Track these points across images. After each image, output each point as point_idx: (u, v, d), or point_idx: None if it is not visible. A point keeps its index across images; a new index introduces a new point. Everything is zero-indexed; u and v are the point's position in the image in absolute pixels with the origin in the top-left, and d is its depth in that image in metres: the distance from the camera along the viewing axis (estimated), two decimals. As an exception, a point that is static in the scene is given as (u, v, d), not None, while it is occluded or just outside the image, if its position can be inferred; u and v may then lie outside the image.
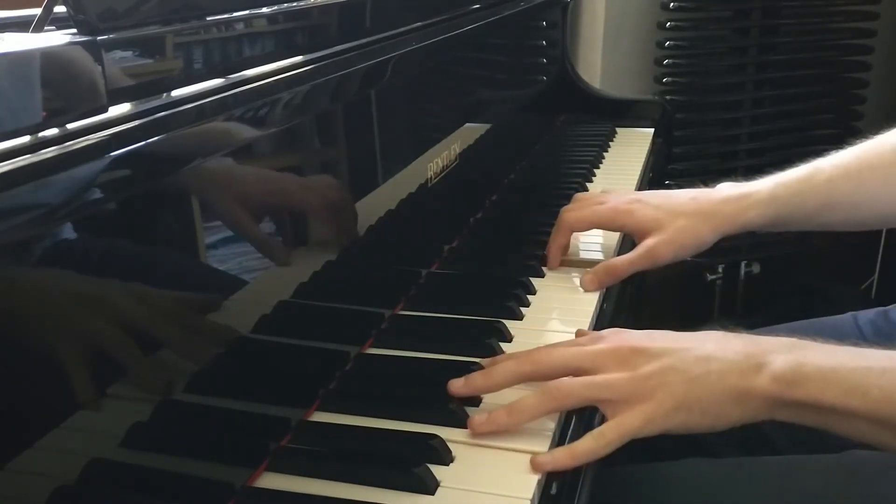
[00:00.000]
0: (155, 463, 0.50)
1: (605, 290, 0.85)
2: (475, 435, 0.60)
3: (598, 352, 0.62)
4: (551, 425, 0.61)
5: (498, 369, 0.64)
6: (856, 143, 0.87)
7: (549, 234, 0.93)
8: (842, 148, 0.88)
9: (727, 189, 0.87)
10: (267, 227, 0.62)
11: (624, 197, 0.89)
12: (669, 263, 0.86)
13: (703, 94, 2.00)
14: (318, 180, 0.70)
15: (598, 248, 0.94)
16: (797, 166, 0.88)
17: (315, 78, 0.63)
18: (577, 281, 0.85)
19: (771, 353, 0.59)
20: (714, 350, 0.60)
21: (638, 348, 0.61)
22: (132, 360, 0.47)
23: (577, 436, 0.63)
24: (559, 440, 0.62)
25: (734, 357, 0.60)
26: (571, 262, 0.90)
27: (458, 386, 0.64)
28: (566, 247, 0.89)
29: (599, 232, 0.95)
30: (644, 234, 0.85)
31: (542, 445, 0.59)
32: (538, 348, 0.65)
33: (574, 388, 0.61)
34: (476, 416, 0.61)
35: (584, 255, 0.93)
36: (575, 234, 0.92)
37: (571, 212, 0.89)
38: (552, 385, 0.61)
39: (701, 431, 0.61)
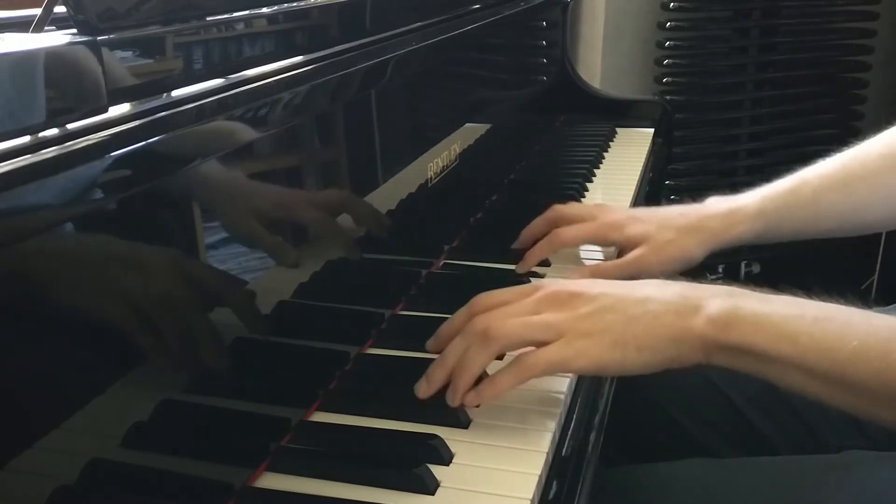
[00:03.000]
0: (155, 463, 0.50)
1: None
2: (453, 404, 0.61)
3: (538, 300, 0.63)
4: (552, 426, 0.61)
5: (454, 357, 0.62)
6: (848, 147, 0.88)
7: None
8: (842, 149, 0.88)
9: (715, 204, 0.88)
10: (269, 226, 0.62)
11: (614, 213, 0.90)
12: (657, 276, 0.86)
13: (703, 94, 2.00)
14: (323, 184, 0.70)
15: (599, 251, 0.94)
16: (784, 177, 0.88)
17: (315, 78, 0.63)
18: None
19: (708, 298, 0.60)
20: (653, 293, 0.62)
21: (576, 292, 0.62)
22: (131, 360, 0.47)
23: (577, 436, 0.64)
24: (559, 440, 0.62)
25: (672, 298, 0.61)
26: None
27: (423, 390, 0.63)
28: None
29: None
30: (633, 248, 0.86)
31: (542, 445, 0.59)
32: (485, 314, 0.63)
33: (513, 330, 0.61)
34: (421, 387, 0.62)
35: (584, 259, 0.93)
36: None
37: (565, 231, 0.88)
38: (492, 331, 0.61)
39: (636, 370, 0.61)
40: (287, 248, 0.64)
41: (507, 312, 0.63)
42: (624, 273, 0.85)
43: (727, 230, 0.86)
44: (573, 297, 0.62)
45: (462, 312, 0.67)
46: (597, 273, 0.85)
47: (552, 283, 0.65)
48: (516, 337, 0.61)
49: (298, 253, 0.66)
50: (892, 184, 0.85)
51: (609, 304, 0.61)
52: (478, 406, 0.62)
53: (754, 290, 0.61)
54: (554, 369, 0.61)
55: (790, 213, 0.86)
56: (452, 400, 0.61)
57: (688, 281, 0.65)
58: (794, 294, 0.62)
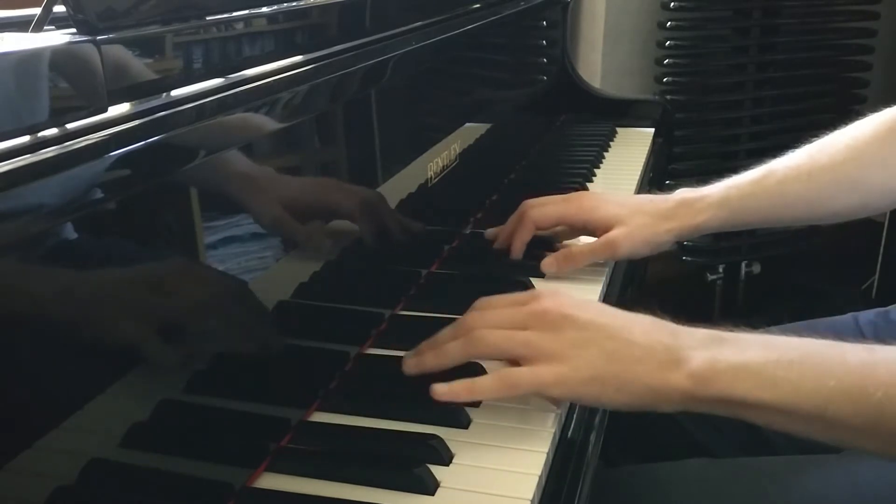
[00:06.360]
0: (155, 463, 0.50)
1: (605, 290, 0.85)
2: (408, 373, 0.64)
3: (528, 313, 0.63)
4: (552, 426, 0.61)
5: (445, 352, 0.64)
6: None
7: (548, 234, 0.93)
8: None
9: (683, 193, 0.90)
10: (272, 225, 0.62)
11: (586, 197, 0.91)
12: (627, 258, 0.89)
13: (704, 94, 2.00)
14: (325, 183, 0.71)
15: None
16: (760, 160, 0.90)
17: (315, 78, 0.63)
18: (577, 282, 0.85)
19: (689, 350, 0.59)
20: (639, 337, 0.61)
21: (566, 314, 0.62)
22: (131, 360, 0.47)
23: (577, 436, 0.64)
24: (559, 440, 0.62)
25: (656, 347, 0.60)
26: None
27: (411, 365, 0.65)
28: (528, 241, 0.90)
29: None
30: (605, 230, 0.87)
31: (542, 446, 0.59)
32: (479, 312, 0.65)
33: (494, 340, 0.62)
34: (406, 358, 0.65)
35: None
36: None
37: (536, 208, 0.90)
38: (476, 334, 0.62)
39: (612, 407, 0.62)
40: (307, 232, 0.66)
41: (497, 319, 0.64)
42: (595, 257, 0.87)
43: (692, 217, 0.87)
44: (562, 319, 0.62)
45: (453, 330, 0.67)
46: (569, 257, 0.86)
47: (548, 297, 0.64)
48: (495, 348, 0.62)
49: (294, 253, 0.66)
50: (856, 175, 0.87)
51: (595, 337, 0.61)
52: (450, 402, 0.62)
53: (734, 332, 0.61)
54: (534, 391, 0.61)
55: (755, 201, 0.88)
56: (406, 366, 0.65)
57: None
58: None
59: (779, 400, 0.56)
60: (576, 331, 0.61)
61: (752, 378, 0.57)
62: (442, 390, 0.61)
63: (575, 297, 0.65)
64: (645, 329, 0.62)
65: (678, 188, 0.92)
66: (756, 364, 0.58)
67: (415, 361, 0.65)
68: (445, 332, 0.65)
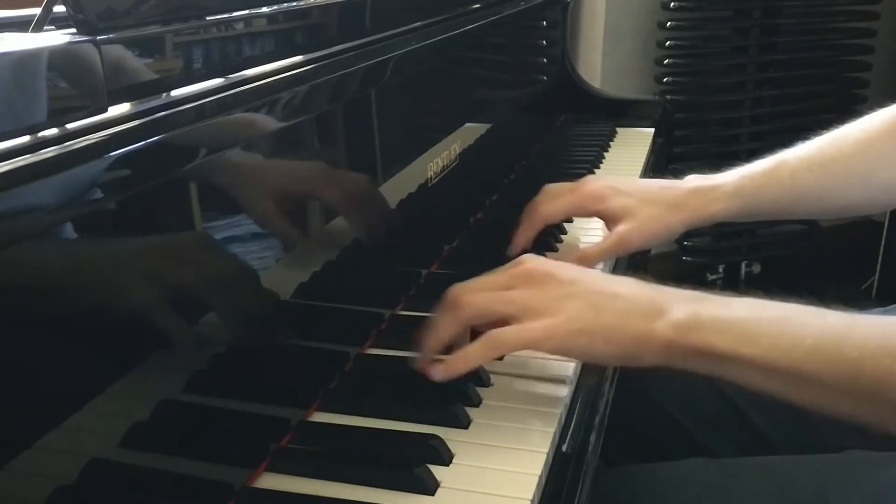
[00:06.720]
0: (155, 463, 0.50)
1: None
2: (418, 366, 0.63)
3: (512, 274, 0.64)
4: (552, 426, 0.61)
5: (438, 327, 0.64)
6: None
7: (549, 233, 0.93)
8: None
9: (694, 181, 0.89)
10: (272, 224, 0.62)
11: (594, 184, 0.90)
12: (639, 251, 0.89)
13: (704, 94, 2.00)
14: (326, 175, 0.71)
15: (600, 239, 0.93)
16: (763, 157, 0.90)
17: (315, 78, 0.63)
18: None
19: (673, 303, 0.61)
20: (623, 291, 0.62)
21: (550, 272, 0.63)
22: (131, 360, 0.47)
23: (577, 436, 0.64)
24: (559, 440, 0.62)
25: (640, 300, 0.61)
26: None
27: (419, 361, 0.64)
28: (532, 239, 0.89)
29: (600, 224, 0.94)
30: (615, 221, 0.86)
31: (542, 445, 0.59)
32: (462, 284, 0.65)
33: (480, 302, 0.62)
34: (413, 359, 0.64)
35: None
36: (577, 228, 0.92)
37: (545, 204, 0.88)
38: (462, 300, 0.63)
39: (599, 360, 0.63)
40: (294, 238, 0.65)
41: (480, 284, 0.64)
42: (609, 254, 0.87)
43: (705, 207, 0.87)
44: (546, 277, 0.63)
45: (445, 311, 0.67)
46: (581, 259, 0.85)
47: (531, 260, 0.65)
48: (481, 308, 0.62)
49: (295, 252, 0.65)
50: (865, 168, 0.86)
51: (579, 292, 0.62)
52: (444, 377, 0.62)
53: (718, 295, 0.62)
54: (522, 347, 0.62)
55: (767, 192, 0.87)
56: (417, 365, 0.63)
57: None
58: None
59: (756, 355, 0.57)
60: (561, 286, 0.62)
61: (732, 331, 0.58)
62: (438, 369, 0.61)
63: (558, 261, 0.66)
64: (629, 285, 0.63)
65: (688, 174, 0.91)
66: (738, 319, 0.59)
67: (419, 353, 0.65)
68: (437, 313, 0.65)
